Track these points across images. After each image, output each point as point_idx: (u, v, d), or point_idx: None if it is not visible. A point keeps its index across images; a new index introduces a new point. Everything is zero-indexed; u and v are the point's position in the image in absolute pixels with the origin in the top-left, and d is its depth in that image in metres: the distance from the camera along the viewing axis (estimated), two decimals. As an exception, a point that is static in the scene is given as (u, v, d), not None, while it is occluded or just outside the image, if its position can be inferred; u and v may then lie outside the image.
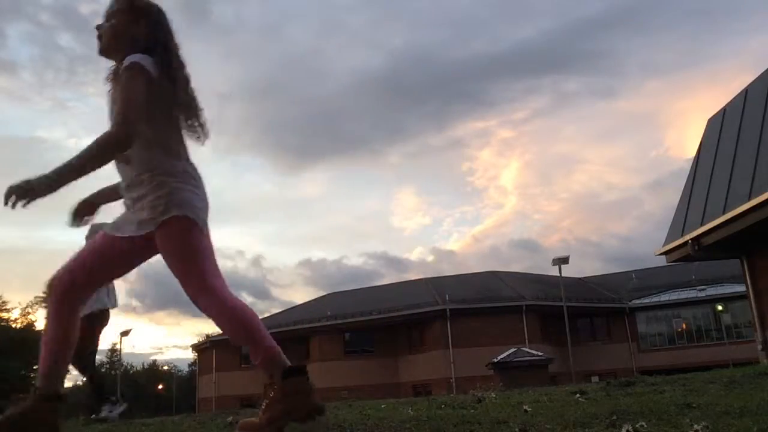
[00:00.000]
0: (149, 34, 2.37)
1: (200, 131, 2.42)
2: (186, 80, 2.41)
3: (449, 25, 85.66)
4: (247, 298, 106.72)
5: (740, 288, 16.24)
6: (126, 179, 2.36)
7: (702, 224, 11.42)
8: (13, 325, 45.26)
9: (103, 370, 63.87)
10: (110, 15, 2.46)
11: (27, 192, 2.05)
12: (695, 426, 1.53)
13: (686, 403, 2.12)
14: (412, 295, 33.45)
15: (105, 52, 2.46)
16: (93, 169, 2.15)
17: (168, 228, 2.23)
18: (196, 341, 54.28)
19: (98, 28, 2.46)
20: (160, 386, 62.30)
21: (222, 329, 2.30)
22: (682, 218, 12.55)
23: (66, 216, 2.56)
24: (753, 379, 3.44)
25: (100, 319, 5.66)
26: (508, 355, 24.86)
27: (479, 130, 79.30)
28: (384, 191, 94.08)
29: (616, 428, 1.69)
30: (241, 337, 2.23)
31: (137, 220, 2.27)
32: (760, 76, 11.65)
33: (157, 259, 2.40)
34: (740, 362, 16.59)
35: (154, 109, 2.27)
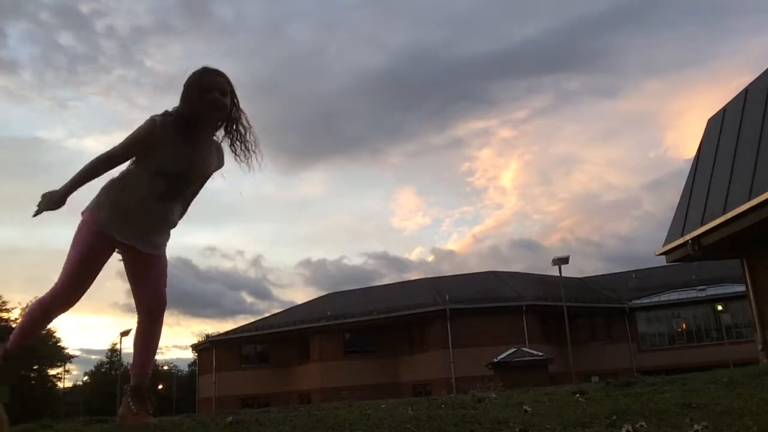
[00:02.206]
0: None
1: None
2: None
3: (450, 24, 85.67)
4: (247, 298, 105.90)
5: (740, 288, 16.23)
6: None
7: (702, 224, 11.42)
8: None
9: (103, 370, 63.89)
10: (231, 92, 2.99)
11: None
12: (695, 426, 1.53)
13: (686, 403, 2.12)
14: (412, 295, 33.44)
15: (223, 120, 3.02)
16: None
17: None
18: (196, 341, 54.28)
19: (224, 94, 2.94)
20: (160, 386, 62.30)
21: None
22: (682, 218, 12.54)
23: (64, 216, 2.89)
24: (753, 379, 3.44)
25: None
26: (508, 355, 24.84)
27: (479, 130, 79.31)
28: (384, 191, 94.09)
29: (616, 428, 1.69)
30: None
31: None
32: (760, 76, 11.64)
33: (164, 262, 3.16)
34: (740, 362, 16.58)
35: None
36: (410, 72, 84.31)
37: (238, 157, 3.00)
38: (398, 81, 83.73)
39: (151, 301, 2.99)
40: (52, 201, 2.75)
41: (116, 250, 2.94)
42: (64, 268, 2.83)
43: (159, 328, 3.05)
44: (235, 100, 2.96)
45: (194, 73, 2.87)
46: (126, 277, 3.04)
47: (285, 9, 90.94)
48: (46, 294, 2.89)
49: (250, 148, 3.00)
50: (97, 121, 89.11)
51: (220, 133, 3.00)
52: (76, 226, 2.94)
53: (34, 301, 2.96)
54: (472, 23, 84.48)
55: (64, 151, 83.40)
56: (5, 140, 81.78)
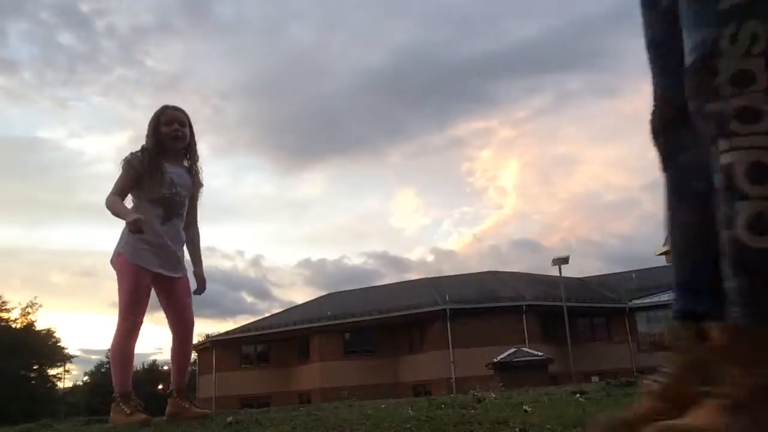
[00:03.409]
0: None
1: None
2: None
3: (451, 23, 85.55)
4: (247, 298, 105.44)
5: (740, 288, 16.19)
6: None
7: (702, 224, 11.42)
8: (13, 325, 45.23)
9: (103, 370, 63.83)
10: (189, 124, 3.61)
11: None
12: (695, 426, 1.52)
13: (686, 403, 2.12)
14: (413, 295, 33.42)
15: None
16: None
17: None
18: (196, 341, 54.25)
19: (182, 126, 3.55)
20: (160, 386, 62.29)
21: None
22: (682, 218, 12.55)
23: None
24: (753, 379, 3.44)
25: None
26: (508, 355, 24.85)
27: (480, 130, 79.12)
28: (384, 191, 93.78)
29: (616, 428, 1.68)
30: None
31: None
32: (760, 76, 11.65)
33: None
34: (740, 362, 16.54)
35: None
36: (411, 72, 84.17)
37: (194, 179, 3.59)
38: (399, 81, 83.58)
39: (181, 321, 3.54)
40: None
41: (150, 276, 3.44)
42: (120, 304, 3.36)
43: (191, 345, 3.72)
44: (192, 131, 3.55)
45: (156, 111, 3.46)
46: (158, 302, 3.57)
47: (285, 8, 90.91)
48: (114, 336, 3.39)
49: (200, 173, 3.60)
50: (97, 121, 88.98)
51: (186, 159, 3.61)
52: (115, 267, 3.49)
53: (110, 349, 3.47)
54: (472, 23, 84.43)
55: (64, 151, 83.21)
56: (5, 140, 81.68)
